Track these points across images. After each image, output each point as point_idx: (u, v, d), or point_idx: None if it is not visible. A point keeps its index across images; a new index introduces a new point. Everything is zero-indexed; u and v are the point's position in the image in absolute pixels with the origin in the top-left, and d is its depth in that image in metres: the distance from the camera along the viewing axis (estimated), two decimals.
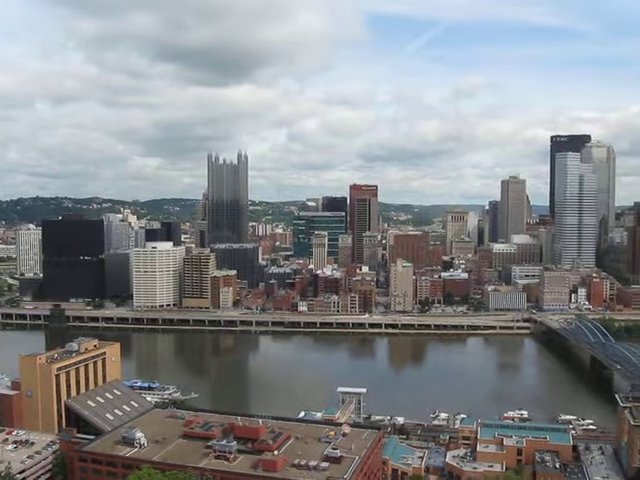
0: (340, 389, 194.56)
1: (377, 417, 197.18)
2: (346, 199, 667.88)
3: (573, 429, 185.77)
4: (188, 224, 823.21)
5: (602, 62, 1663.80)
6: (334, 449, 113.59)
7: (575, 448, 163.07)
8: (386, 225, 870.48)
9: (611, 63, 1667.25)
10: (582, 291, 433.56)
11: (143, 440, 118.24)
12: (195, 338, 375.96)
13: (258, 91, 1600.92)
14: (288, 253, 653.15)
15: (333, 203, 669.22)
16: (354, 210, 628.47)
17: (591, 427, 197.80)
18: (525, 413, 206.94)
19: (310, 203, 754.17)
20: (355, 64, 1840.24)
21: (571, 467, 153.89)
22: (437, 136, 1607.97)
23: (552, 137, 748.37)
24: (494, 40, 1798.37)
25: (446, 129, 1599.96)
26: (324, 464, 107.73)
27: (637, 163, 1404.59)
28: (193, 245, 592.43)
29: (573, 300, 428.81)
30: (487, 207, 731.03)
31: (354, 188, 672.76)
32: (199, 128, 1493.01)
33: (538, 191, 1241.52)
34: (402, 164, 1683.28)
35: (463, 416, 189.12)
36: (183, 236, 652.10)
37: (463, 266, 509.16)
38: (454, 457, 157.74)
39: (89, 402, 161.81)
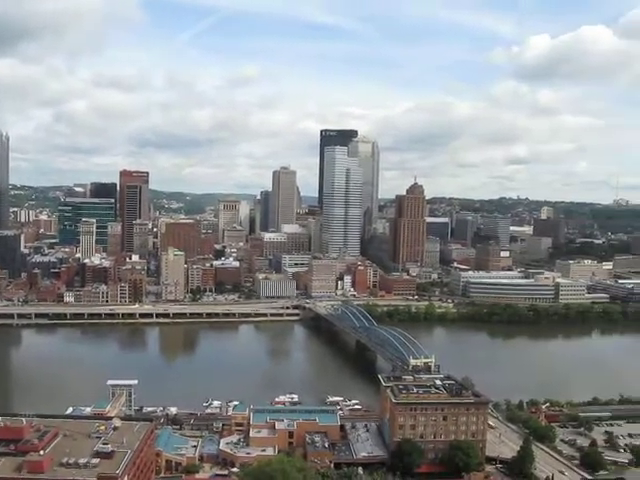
0: (110, 382, 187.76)
1: (149, 408, 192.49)
2: (116, 185, 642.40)
3: (340, 410, 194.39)
4: None
5: (371, 62, 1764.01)
6: (105, 444, 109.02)
7: (342, 427, 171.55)
8: (157, 213, 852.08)
9: (380, 64, 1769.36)
10: (348, 278, 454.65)
11: None
12: None
13: (22, 67, 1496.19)
14: (53, 241, 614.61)
15: (102, 189, 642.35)
16: (124, 197, 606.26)
17: (357, 407, 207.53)
18: (295, 397, 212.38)
19: (77, 189, 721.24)
20: (130, 47, 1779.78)
21: (339, 445, 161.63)
22: (211, 124, 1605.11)
23: (322, 131, 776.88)
24: (269, 33, 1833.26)
25: (220, 118, 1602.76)
26: (95, 460, 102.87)
27: (398, 158, 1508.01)
28: None
29: (339, 287, 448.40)
30: (259, 197, 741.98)
31: (124, 174, 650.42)
32: None
33: (308, 182, 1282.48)
34: (175, 151, 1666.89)
35: (236, 403, 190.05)
36: None
37: (235, 254, 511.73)
38: (227, 444, 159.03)
39: None
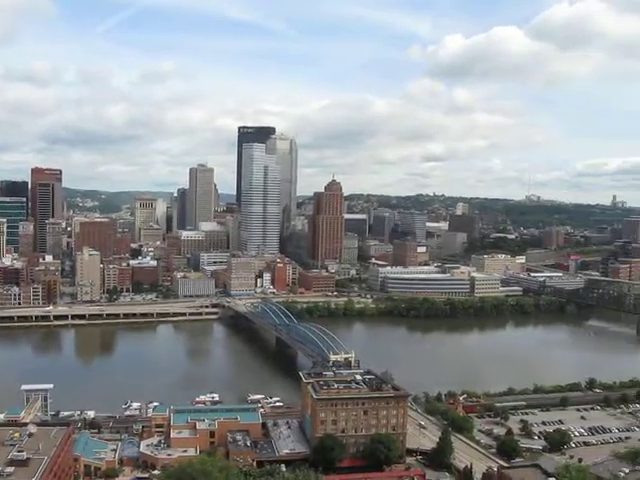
0: (24, 387, 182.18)
1: (66, 413, 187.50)
2: (27, 183, 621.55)
3: (262, 407, 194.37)
4: None
5: (290, 59, 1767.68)
6: (20, 451, 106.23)
7: (264, 425, 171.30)
8: (71, 212, 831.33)
9: (299, 61, 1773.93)
10: (267, 276, 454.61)
11: None
12: None
13: None
14: None
15: (12, 187, 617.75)
16: (36, 195, 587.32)
17: (278, 404, 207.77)
18: (216, 396, 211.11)
19: None
20: (43, 40, 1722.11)
21: (261, 443, 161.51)
22: (126, 121, 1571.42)
23: (240, 128, 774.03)
24: (186, 29, 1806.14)
25: (135, 114, 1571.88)
26: (9, 469, 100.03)
27: (317, 156, 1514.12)
28: None
29: (259, 285, 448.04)
30: (176, 194, 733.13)
31: (36, 172, 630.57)
32: None
33: (226, 180, 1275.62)
34: (89, 148, 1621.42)
35: (155, 404, 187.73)
36: None
37: (152, 253, 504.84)
38: (148, 446, 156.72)
39: None
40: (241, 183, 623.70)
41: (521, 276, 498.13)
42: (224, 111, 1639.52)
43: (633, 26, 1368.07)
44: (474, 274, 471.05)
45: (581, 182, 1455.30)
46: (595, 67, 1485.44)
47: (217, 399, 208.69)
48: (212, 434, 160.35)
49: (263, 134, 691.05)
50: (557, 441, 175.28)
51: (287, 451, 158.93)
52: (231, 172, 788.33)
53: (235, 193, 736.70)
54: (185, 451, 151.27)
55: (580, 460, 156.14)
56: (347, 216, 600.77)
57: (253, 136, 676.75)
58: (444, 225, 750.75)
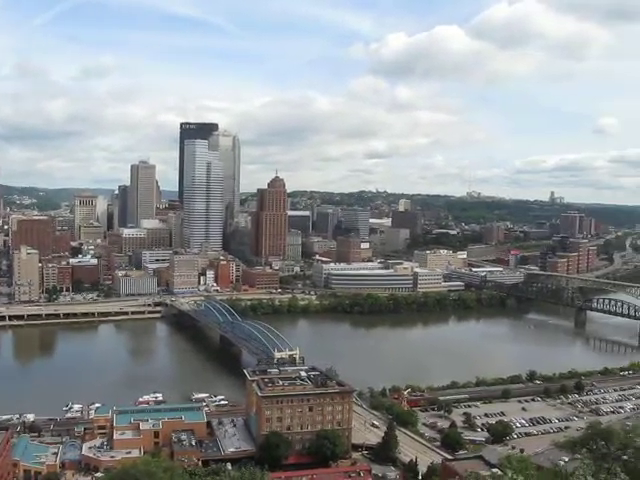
0: None
1: (4, 417, 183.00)
2: None
3: (206, 406, 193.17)
4: None
5: (234, 56, 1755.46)
6: None
7: (209, 424, 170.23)
8: (8, 209, 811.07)
9: (242, 58, 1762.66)
10: (210, 273, 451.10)
11: None
12: None
13: None
14: None
15: None
16: None
17: (223, 402, 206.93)
18: (160, 396, 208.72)
19: None
20: None
21: (206, 442, 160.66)
22: (65, 116, 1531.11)
23: (182, 124, 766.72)
24: (128, 24, 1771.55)
25: (75, 109, 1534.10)
26: None
27: (259, 152, 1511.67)
28: None
29: (202, 282, 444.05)
30: (116, 191, 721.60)
31: None
32: None
33: (168, 177, 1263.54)
34: (27, 144, 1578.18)
35: (98, 405, 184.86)
36: None
37: (92, 252, 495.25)
38: (90, 448, 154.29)
39: None
40: (183, 180, 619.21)
41: (463, 271, 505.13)
42: (166, 107, 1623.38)
43: (570, 27, 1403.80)
44: (417, 270, 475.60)
45: (520, 179, 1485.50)
46: (534, 66, 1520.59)
47: (161, 399, 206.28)
48: (156, 434, 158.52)
49: (205, 130, 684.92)
50: (499, 432, 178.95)
51: (233, 449, 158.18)
52: (173, 169, 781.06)
53: (177, 190, 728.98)
54: (129, 452, 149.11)
55: (522, 450, 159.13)
56: (290, 213, 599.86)
57: (195, 132, 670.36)
58: (387, 221, 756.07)
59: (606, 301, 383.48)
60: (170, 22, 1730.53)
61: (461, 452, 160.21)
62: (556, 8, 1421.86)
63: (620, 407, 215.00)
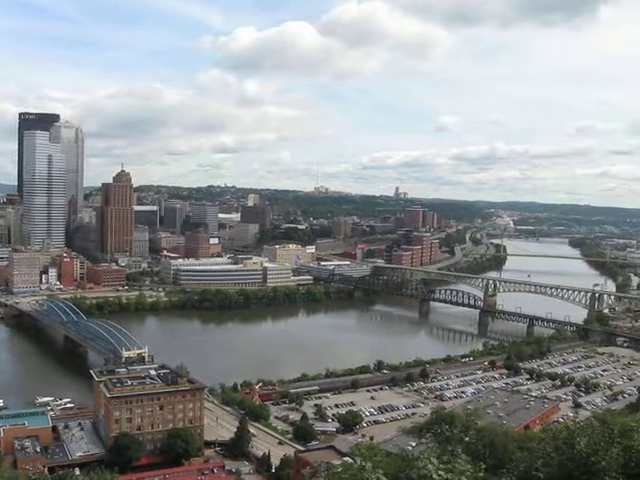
0: None
1: None
2: None
3: (51, 410, 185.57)
4: None
5: (79, 44, 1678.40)
6: None
7: (55, 429, 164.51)
8: None
9: (88, 46, 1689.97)
10: (53, 271, 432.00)
11: None
12: None
13: None
14: None
15: None
16: None
17: (69, 405, 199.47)
18: (0, 401, 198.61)
19: None
20: None
21: (52, 448, 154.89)
22: None
23: (21, 114, 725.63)
24: None
25: None
26: None
27: (104, 145, 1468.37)
28: None
29: (44, 281, 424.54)
30: None
31: None
32: None
33: (6, 169, 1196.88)
34: None
35: None
36: None
37: None
38: None
39: None
40: (23, 173, 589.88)
41: (311, 265, 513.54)
42: (3, 96, 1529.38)
43: (414, 28, 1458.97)
44: (266, 264, 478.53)
45: (367, 174, 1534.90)
46: (380, 65, 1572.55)
47: (1, 404, 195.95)
48: None
49: (46, 121, 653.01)
50: (350, 422, 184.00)
51: (80, 454, 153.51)
52: (11, 161, 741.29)
53: (16, 184, 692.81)
54: None
55: (371, 438, 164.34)
56: (137, 208, 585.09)
57: (35, 123, 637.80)
58: (236, 216, 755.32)
59: (447, 292, 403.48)
60: (12, 7, 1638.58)
61: (313, 443, 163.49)
62: (401, 9, 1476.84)
63: (462, 392, 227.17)
